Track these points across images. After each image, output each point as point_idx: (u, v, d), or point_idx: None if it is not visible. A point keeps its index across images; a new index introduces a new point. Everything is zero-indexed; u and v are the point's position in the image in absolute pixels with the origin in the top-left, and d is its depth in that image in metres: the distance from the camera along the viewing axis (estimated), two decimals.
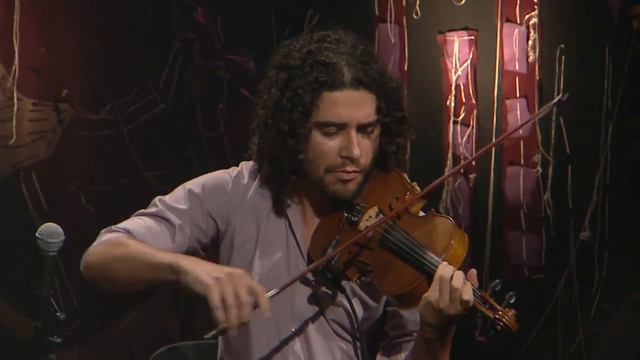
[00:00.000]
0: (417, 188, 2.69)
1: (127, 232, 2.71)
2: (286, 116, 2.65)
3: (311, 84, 2.63)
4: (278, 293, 2.56)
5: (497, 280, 2.54)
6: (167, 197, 2.80)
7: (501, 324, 2.51)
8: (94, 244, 2.73)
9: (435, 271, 2.53)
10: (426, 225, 2.64)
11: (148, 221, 2.75)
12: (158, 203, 2.79)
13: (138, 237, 2.69)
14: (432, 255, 2.56)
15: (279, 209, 2.77)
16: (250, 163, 2.82)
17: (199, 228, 2.76)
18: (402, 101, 2.74)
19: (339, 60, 2.65)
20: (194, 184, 2.81)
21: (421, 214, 2.70)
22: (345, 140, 2.65)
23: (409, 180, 2.72)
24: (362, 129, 2.66)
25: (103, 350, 4.86)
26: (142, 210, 2.80)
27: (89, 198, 4.81)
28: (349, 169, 2.66)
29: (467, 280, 2.52)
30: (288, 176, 2.71)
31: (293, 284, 2.62)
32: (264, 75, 2.75)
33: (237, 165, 2.86)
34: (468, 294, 2.50)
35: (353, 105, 2.64)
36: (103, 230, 2.75)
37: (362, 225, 2.67)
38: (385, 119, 2.69)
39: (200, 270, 2.49)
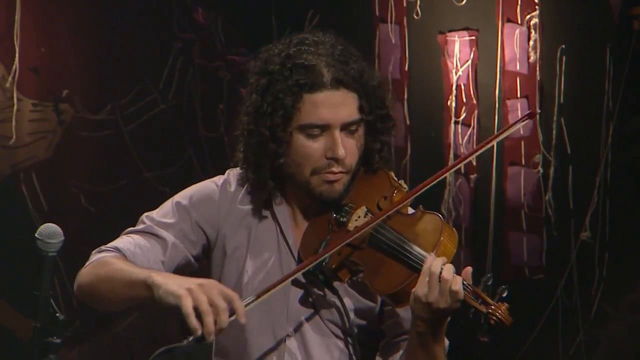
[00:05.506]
0: (405, 186, 2.69)
1: (117, 250, 2.71)
2: (267, 121, 2.66)
3: (291, 88, 2.64)
4: (255, 301, 2.56)
5: (489, 275, 2.54)
6: (154, 213, 2.80)
7: (494, 318, 2.49)
8: (85, 265, 2.74)
9: None
10: (415, 223, 2.63)
11: (137, 238, 2.75)
12: (145, 220, 2.79)
13: (128, 255, 2.70)
14: (423, 252, 2.56)
15: (269, 212, 2.77)
16: (237, 170, 2.82)
17: (188, 240, 2.76)
18: (384, 98, 2.74)
19: (318, 61, 2.65)
20: (182, 196, 2.80)
21: (410, 211, 2.70)
22: (330, 141, 2.65)
23: (395, 179, 2.72)
24: (345, 128, 2.67)
25: (103, 351, 4.86)
26: (130, 228, 2.80)
27: (88, 198, 4.81)
28: (335, 169, 2.67)
29: (462, 277, 2.52)
30: (267, 181, 2.72)
31: (271, 291, 2.60)
32: (246, 82, 2.75)
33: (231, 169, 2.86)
34: (457, 285, 2.49)
35: (335, 105, 2.64)
36: (94, 251, 2.75)
37: (351, 225, 2.67)
38: (368, 117, 2.69)
39: (172, 283, 2.49)
